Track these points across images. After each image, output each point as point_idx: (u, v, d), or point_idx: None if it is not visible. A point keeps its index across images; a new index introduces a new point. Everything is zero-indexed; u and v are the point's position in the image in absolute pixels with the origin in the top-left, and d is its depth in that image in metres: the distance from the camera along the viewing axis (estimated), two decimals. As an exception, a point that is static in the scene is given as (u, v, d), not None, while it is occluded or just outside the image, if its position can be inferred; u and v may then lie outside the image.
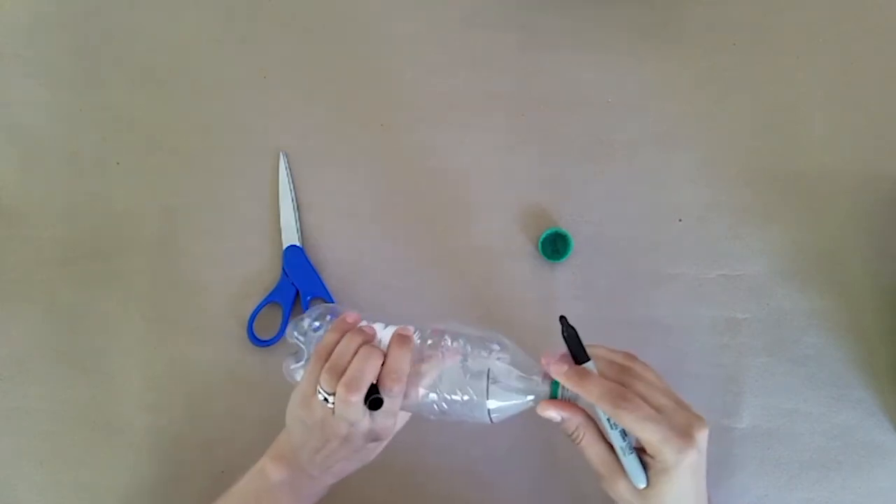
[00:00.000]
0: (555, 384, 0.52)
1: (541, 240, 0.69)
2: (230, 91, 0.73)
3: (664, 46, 0.71)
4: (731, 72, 0.71)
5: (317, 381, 0.52)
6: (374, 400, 0.51)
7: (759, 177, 0.69)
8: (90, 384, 0.70)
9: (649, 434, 0.46)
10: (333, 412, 0.51)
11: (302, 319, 0.59)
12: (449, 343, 0.55)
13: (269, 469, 0.56)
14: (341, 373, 0.51)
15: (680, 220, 0.69)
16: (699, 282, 0.69)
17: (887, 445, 0.66)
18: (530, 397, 0.53)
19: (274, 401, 0.68)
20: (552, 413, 0.51)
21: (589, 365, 0.50)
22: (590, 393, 0.48)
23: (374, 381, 0.51)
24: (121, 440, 0.69)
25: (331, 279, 0.70)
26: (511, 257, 0.70)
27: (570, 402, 0.51)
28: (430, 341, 0.55)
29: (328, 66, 0.73)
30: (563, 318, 0.51)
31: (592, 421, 0.50)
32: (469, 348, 0.55)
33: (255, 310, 0.69)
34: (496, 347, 0.54)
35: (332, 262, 0.71)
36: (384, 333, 0.55)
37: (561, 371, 0.50)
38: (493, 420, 0.54)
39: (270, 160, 0.72)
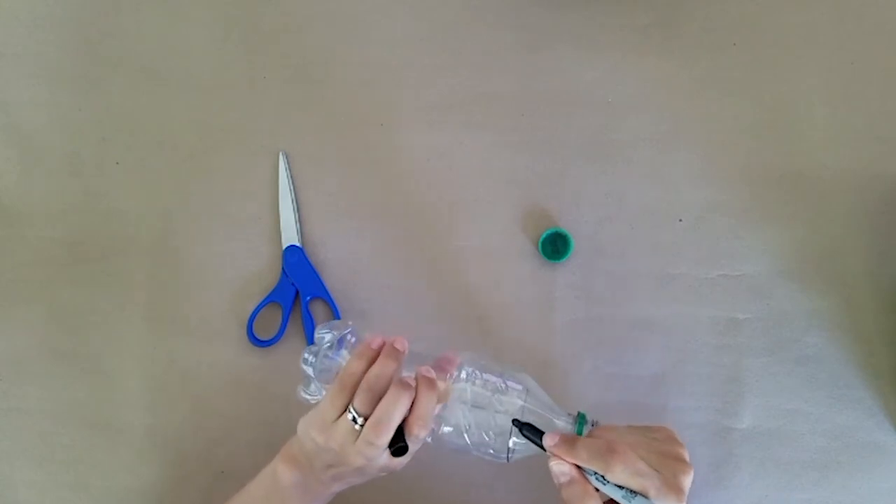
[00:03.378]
0: (579, 426, 0.53)
1: (541, 240, 0.69)
2: (230, 91, 0.73)
3: (664, 46, 0.71)
4: (731, 72, 0.71)
5: (341, 409, 0.53)
6: (398, 448, 0.52)
7: (759, 177, 0.69)
8: (90, 384, 0.70)
9: (642, 487, 0.48)
10: (356, 441, 0.52)
11: (320, 341, 0.59)
12: (472, 378, 0.55)
13: (280, 471, 0.57)
14: (378, 396, 0.52)
15: (680, 220, 0.69)
16: (699, 282, 0.69)
17: (887, 445, 0.66)
18: None
19: (274, 401, 0.69)
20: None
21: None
22: (579, 456, 0.50)
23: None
24: (121, 440, 0.69)
25: (331, 279, 0.70)
26: (511, 257, 0.70)
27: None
28: (450, 377, 0.56)
29: (328, 66, 0.73)
30: (515, 421, 0.53)
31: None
32: (491, 387, 0.55)
33: (255, 310, 0.69)
34: (518, 387, 0.55)
35: (332, 262, 0.71)
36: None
37: (552, 443, 0.51)
38: (511, 460, 0.54)
39: (270, 160, 0.72)
